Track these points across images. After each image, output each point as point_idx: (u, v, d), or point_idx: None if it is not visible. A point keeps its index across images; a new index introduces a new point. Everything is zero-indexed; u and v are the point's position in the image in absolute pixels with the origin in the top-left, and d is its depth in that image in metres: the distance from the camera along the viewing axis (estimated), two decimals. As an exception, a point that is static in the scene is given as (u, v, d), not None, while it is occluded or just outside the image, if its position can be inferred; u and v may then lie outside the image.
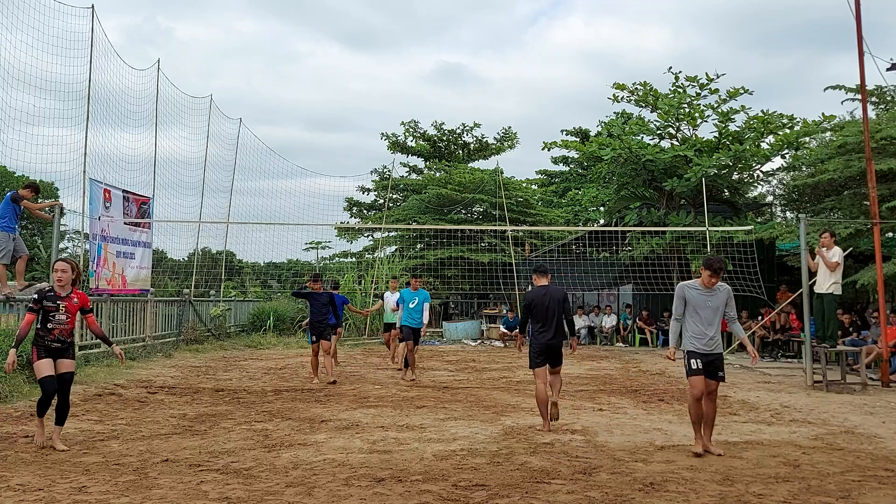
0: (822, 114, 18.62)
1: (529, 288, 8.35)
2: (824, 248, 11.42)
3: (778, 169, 23.55)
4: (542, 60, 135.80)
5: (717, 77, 19.06)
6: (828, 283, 11.31)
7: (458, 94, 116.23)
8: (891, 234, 17.35)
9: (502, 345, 19.96)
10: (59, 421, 6.47)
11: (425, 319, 12.24)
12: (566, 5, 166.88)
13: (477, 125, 34.19)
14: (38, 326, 6.48)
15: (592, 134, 31.92)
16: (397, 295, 13.57)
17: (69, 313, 6.57)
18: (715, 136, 18.97)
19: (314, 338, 11.51)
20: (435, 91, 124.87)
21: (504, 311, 21.85)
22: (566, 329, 7.63)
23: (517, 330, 19.84)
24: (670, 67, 21.58)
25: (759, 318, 17.36)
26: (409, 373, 11.90)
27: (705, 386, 6.44)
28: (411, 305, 12.04)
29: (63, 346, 6.52)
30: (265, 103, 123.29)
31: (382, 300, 14.49)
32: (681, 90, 19.44)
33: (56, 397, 6.45)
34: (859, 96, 13.28)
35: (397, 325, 12.45)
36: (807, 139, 20.37)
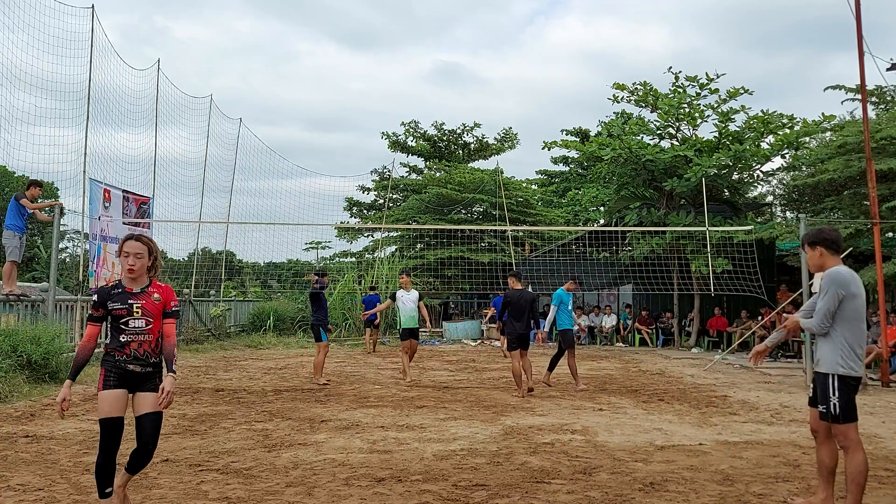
0: (822, 114, 18.63)
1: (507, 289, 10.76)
2: None
3: (778, 169, 23.58)
4: (541, 60, 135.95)
5: (717, 77, 19.06)
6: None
7: (457, 93, 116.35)
8: (891, 234, 17.35)
9: (502, 345, 19.94)
10: (131, 467, 4.37)
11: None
12: (564, 5, 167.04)
13: (477, 125, 34.26)
14: (108, 341, 4.35)
15: (592, 134, 31.94)
16: (414, 293, 12.06)
17: (149, 316, 4.31)
18: (715, 136, 18.96)
19: (328, 337, 11.54)
20: (434, 91, 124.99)
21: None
22: (532, 323, 10.32)
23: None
24: (670, 67, 21.59)
25: (760, 317, 17.37)
26: (579, 382, 10.97)
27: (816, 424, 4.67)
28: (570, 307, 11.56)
29: (144, 371, 4.29)
30: (265, 103, 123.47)
31: (393, 300, 12.31)
32: (681, 90, 19.44)
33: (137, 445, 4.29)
34: (859, 96, 13.28)
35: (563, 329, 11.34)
36: (807, 139, 20.37)
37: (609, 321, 21.30)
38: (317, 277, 11.89)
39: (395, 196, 31.90)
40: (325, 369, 11.40)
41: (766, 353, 5.22)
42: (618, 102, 20.13)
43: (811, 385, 4.78)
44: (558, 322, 11.16)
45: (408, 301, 11.90)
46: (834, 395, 4.47)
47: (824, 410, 4.50)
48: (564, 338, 11.10)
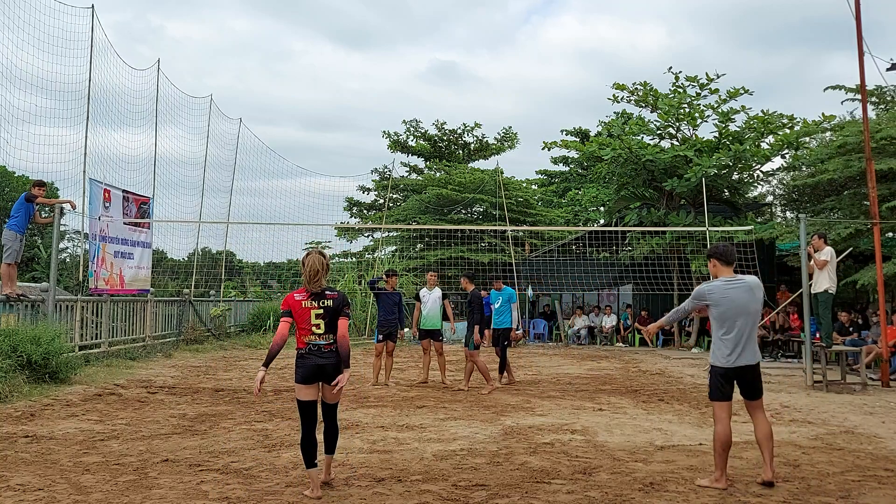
0: (822, 114, 18.64)
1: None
2: (817, 252, 11.50)
3: (778, 169, 23.57)
4: (537, 59, 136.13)
5: (717, 77, 19.08)
6: (820, 282, 11.38)
7: (454, 92, 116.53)
8: (891, 234, 17.35)
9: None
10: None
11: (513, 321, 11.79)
12: (559, 3, 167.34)
13: (478, 125, 34.24)
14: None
15: (592, 134, 31.94)
16: (437, 292, 11.73)
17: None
18: (715, 136, 18.96)
19: (381, 337, 11.21)
20: (431, 90, 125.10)
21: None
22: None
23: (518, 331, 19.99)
24: (670, 67, 21.57)
25: (760, 317, 17.40)
26: (509, 376, 11.58)
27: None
28: (496, 306, 11.78)
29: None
30: (260, 102, 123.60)
31: (419, 300, 11.75)
32: (681, 90, 19.44)
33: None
34: (859, 96, 13.28)
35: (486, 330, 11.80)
36: (807, 139, 20.36)
37: (609, 321, 21.30)
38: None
39: (395, 196, 31.90)
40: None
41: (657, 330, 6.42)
42: (618, 102, 20.15)
43: None
44: (494, 321, 11.81)
45: (429, 300, 11.59)
46: (708, 379, 5.75)
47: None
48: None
